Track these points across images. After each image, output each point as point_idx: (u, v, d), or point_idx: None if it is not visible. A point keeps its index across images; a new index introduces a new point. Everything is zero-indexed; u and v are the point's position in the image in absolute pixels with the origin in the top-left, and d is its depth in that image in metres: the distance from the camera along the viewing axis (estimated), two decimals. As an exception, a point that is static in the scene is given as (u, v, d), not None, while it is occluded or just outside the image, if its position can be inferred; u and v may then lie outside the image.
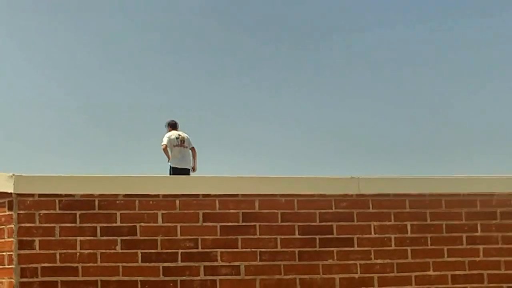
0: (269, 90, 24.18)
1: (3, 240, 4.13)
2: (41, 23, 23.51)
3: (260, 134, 21.85)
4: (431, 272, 4.40)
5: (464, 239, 4.49)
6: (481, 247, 4.50)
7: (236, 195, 4.31)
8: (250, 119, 22.27)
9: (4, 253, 4.11)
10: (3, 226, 4.15)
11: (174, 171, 12.91)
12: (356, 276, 4.33)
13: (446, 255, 4.44)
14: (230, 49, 23.96)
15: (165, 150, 13.08)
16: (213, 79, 23.47)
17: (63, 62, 23.98)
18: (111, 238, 4.16)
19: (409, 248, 4.42)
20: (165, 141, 13.12)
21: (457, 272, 4.43)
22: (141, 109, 22.97)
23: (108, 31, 23.73)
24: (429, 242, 4.45)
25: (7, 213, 4.15)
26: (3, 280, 4.08)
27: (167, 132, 13.30)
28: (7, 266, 4.08)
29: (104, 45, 23.80)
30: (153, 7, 23.51)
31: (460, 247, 4.47)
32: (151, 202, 4.22)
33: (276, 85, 24.02)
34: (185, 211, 4.24)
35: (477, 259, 4.48)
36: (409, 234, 4.44)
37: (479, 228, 4.52)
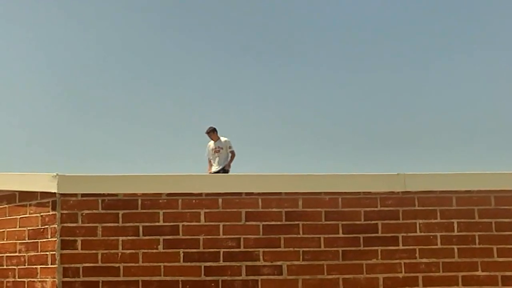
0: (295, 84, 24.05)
1: (47, 239, 4.17)
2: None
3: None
4: (479, 273, 4.27)
5: (515, 237, 4.35)
6: (534, 246, 4.34)
7: (279, 194, 4.25)
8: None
9: (47, 253, 4.15)
10: (46, 226, 4.18)
11: None
12: (401, 275, 4.24)
13: (495, 255, 4.31)
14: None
15: None
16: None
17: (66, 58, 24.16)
18: (153, 237, 4.16)
19: (455, 247, 4.30)
20: None
21: (508, 273, 4.29)
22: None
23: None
24: (477, 241, 4.32)
25: (51, 213, 4.18)
26: (47, 280, 4.13)
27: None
28: (50, 266, 4.13)
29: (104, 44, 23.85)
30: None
31: (511, 246, 4.33)
32: (194, 201, 4.20)
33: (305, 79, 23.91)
34: (228, 210, 4.21)
35: (530, 259, 4.33)
36: (456, 232, 4.32)
37: (531, 226, 4.37)
